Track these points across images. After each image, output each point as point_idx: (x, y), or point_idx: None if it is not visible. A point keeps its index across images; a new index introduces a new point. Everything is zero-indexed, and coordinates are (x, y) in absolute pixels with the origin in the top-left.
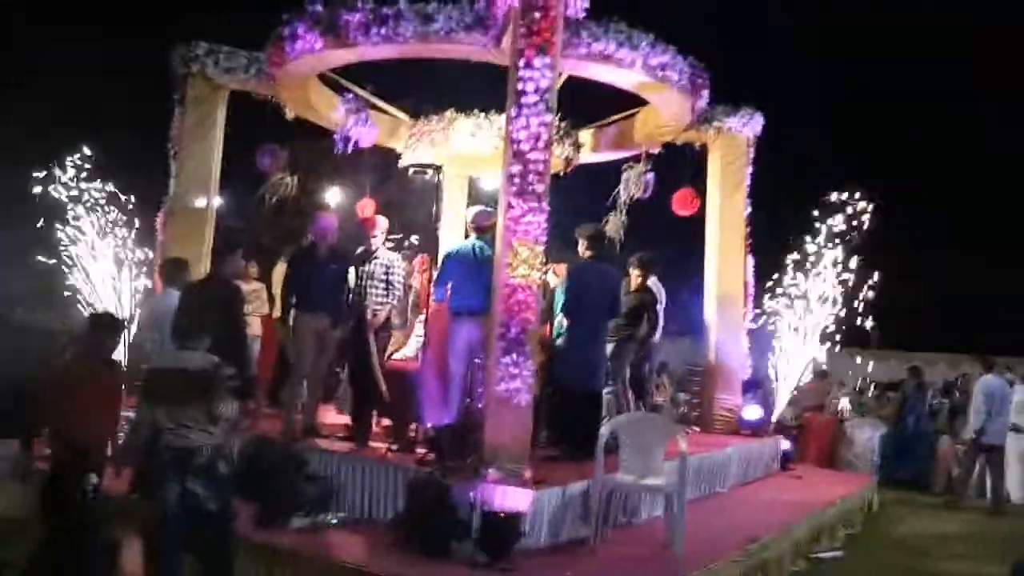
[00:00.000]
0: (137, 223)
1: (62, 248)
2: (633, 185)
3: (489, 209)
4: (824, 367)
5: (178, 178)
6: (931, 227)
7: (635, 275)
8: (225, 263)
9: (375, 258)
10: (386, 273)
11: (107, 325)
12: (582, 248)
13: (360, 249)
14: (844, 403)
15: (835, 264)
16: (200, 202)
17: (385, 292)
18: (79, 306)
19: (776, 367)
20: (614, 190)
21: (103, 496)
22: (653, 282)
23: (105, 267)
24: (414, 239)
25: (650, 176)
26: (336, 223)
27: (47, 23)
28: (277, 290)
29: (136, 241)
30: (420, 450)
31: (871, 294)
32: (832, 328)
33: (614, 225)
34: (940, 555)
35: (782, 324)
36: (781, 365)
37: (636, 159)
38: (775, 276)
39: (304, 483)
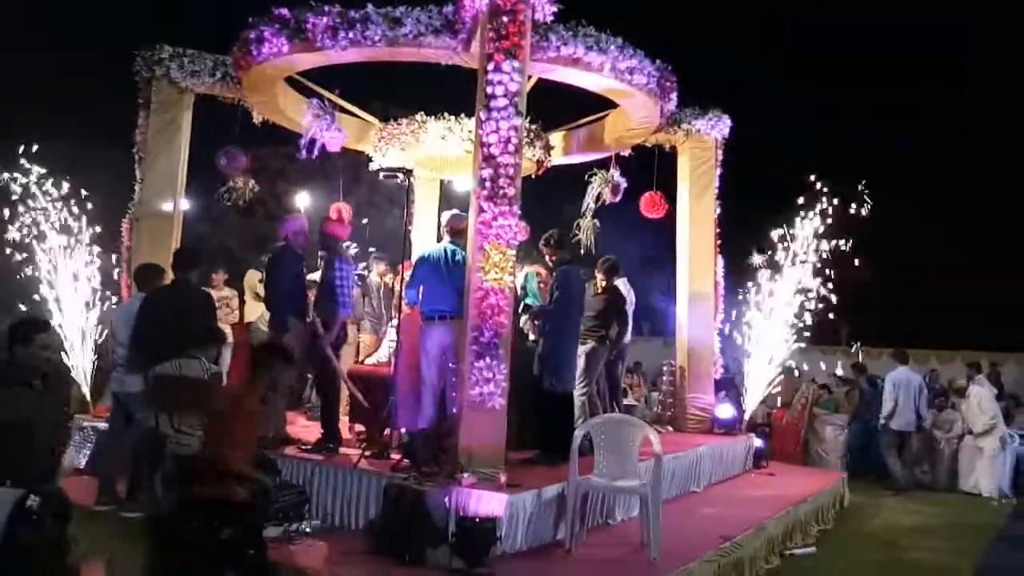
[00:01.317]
0: (96, 227)
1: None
2: (602, 189)
3: (463, 213)
4: (792, 364)
5: (143, 183)
6: (902, 224)
7: (599, 279)
8: (191, 271)
9: (344, 263)
10: (340, 279)
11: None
12: (552, 255)
13: (322, 254)
14: (808, 393)
15: (805, 260)
16: (166, 207)
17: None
18: (45, 313)
19: (747, 365)
20: (584, 195)
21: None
22: (622, 283)
23: (67, 271)
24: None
25: (620, 179)
26: (306, 224)
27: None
28: (250, 296)
29: (99, 245)
30: (394, 456)
31: (841, 291)
32: (802, 325)
33: (585, 229)
34: (911, 547)
35: (753, 322)
36: (752, 363)
37: (601, 164)
38: (745, 272)
39: (277, 491)
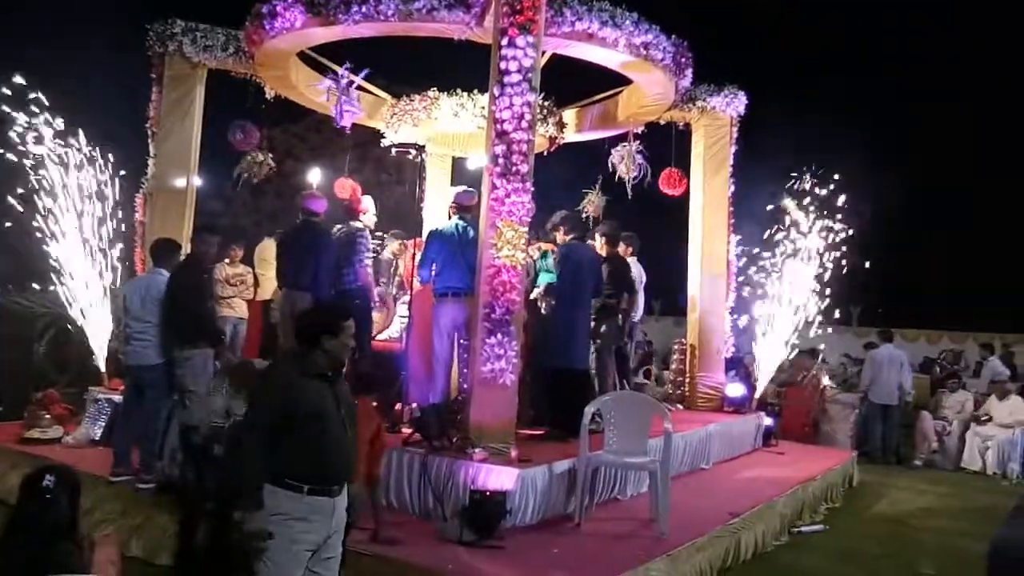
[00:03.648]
0: (112, 198)
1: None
2: (623, 166)
3: (471, 189)
4: (813, 347)
5: (157, 159)
6: (908, 204)
7: (598, 243)
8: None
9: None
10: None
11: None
12: (561, 235)
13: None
14: (825, 379)
15: (819, 239)
16: (180, 183)
17: None
18: (57, 287)
19: (757, 344)
20: (599, 169)
21: None
22: (634, 261)
23: (79, 245)
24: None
25: (640, 157)
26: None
27: None
28: (263, 269)
29: (112, 219)
30: (405, 430)
31: (853, 271)
32: (813, 305)
33: (593, 204)
34: (920, 527)
35: (765, 301)
36: (763, 342)
37: (627, 139)
38: (757, 252)
39: None
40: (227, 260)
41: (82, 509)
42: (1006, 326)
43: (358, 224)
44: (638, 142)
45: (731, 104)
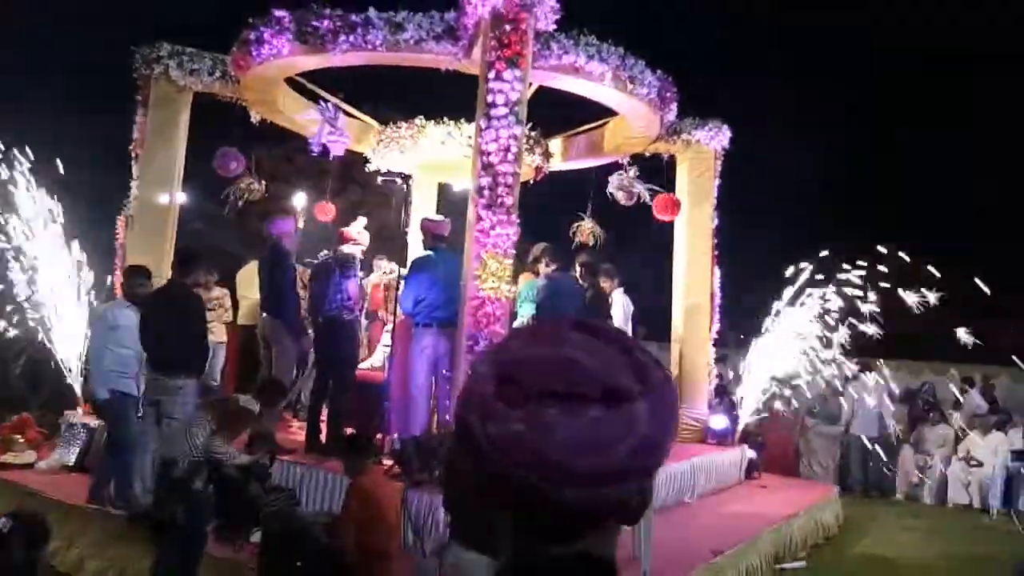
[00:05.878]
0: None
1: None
2: (621, 194)
3: (444, 218)
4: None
5: (140, 181)
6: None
7: (580, 273)
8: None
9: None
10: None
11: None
12: (544, 266)
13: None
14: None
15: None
16: (163, 205)
17: None
18: (28, 311)
19: (741, 376)
20: (588, 197)
21: None
22: (619, 293)
23: (55, 267)
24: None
25: (637, 184)
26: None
27: None
28: (245, 292)
29: (89, 244)
30: (386, 462)
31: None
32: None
33: (587, 232)
34: (904, 563)
35: (751, 334)
36: (747, 374)
37: (621, 167)
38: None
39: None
40: (204, 286)
41: (54, 541)
42: (987, 357)
43: (344, 248)
44: (634, 169)
45: (715, 138)
